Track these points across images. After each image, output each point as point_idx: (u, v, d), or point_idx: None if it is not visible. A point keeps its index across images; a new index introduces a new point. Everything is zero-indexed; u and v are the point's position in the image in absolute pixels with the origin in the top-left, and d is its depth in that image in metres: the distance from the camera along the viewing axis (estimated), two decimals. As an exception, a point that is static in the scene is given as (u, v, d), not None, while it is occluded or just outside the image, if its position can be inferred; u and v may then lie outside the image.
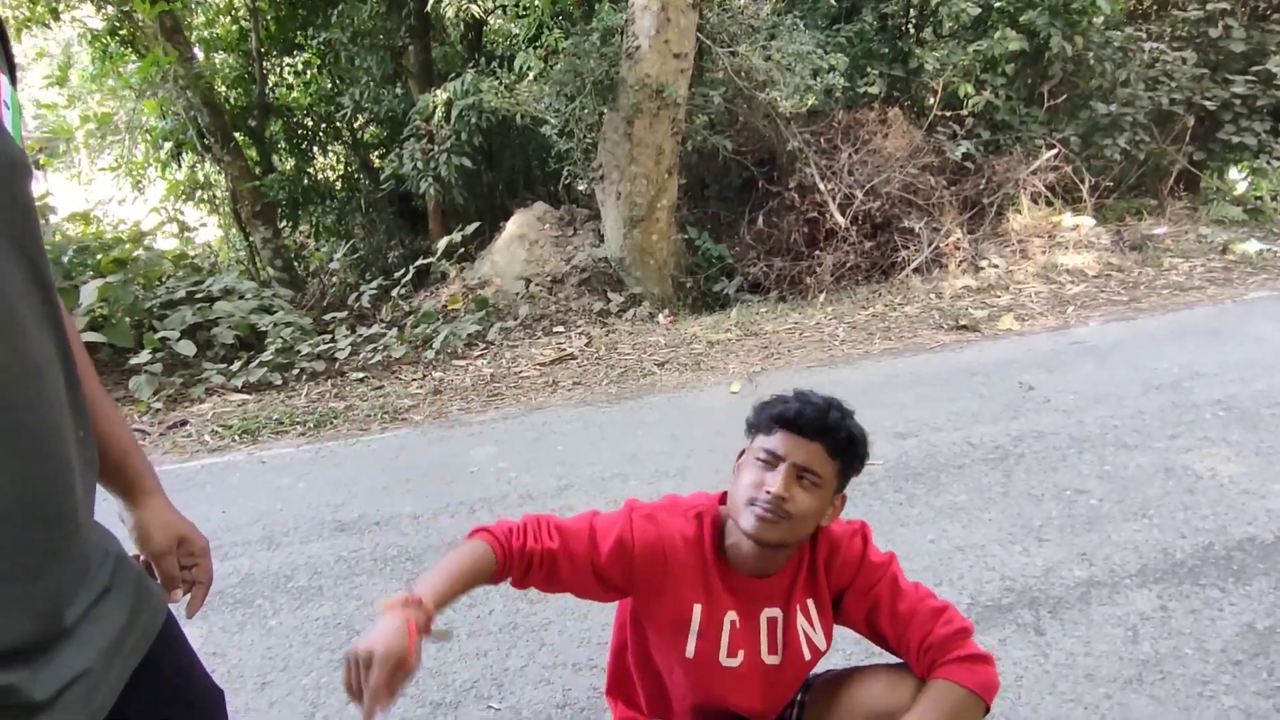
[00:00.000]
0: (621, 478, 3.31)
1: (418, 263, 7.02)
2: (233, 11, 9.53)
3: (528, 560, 1.24)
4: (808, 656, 1.36)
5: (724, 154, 6.88)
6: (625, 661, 1.49)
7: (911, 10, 7.83)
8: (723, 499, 1.38)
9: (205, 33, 9.45)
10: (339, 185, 10.08)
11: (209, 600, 2.55)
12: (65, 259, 5.80)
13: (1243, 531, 2.56)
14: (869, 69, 7.30)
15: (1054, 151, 7.03)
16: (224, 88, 9.07)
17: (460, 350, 5.66)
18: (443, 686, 2.11)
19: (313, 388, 5.05)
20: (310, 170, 9.94)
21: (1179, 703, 1.87)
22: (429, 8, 7.23)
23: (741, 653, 1.34)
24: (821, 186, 6.56)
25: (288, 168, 9.66)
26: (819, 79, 6.33)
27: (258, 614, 2.53)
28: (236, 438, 4.23)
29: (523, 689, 2.09)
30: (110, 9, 8.28)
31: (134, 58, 8.48)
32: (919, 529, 2.73)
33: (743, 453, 1.34)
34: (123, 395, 5.08)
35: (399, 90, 8.52)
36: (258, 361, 5.30)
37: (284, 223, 9.44)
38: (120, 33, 8.52)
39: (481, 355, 5.59)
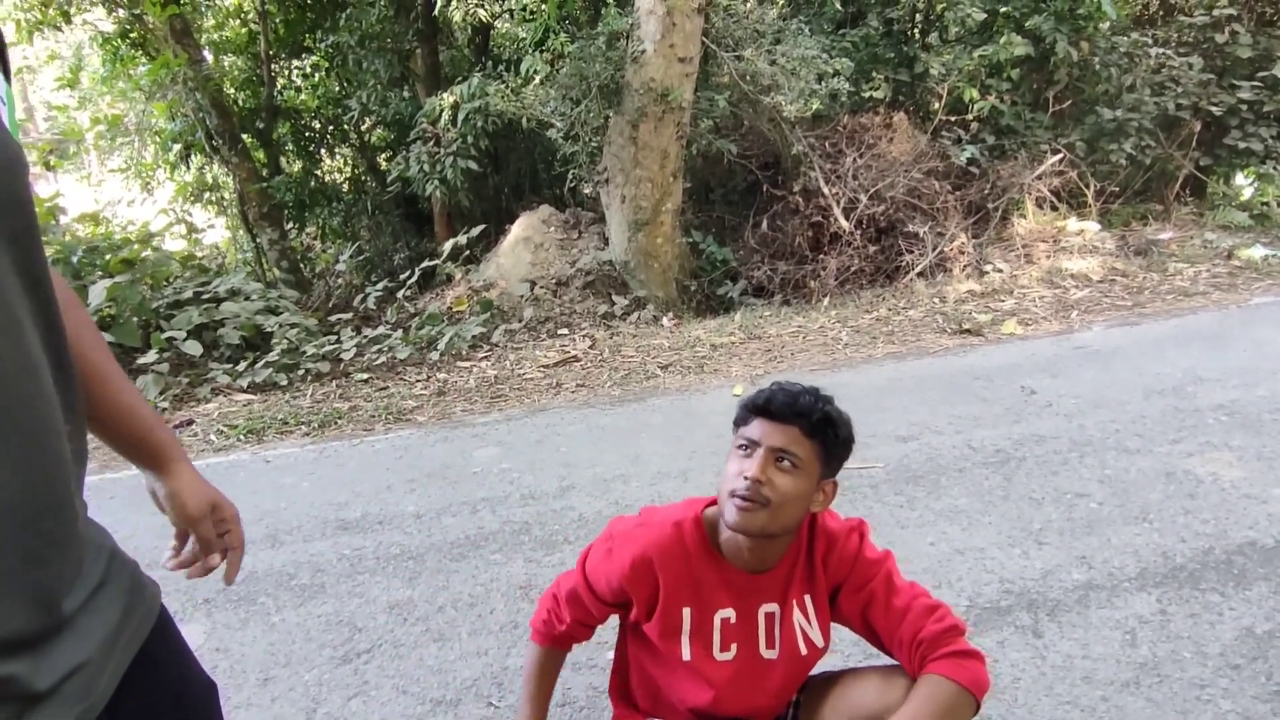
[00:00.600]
0: (624, 479, 3.33)
1: (423, 265, 7.06)
2: (242, 15, 9.61)
3: (568, 639, 1.51)
4: (804, 652, 1.37)
5: (729, 158, 6.90)
6: (626, 663, 1.50)
7: (917, 15, 7.85)
8: (715, 500, 1.39)
9: (215, 35, 9.53)
10: (346, 187, 10.13)
11: (212, 597, 2.56)
12: (75, 259, 5.85)
13: (1243, 536, 2.56)
14: (874, 73, 7.33)
15: (1059, 156, 7.03)
16: (233, 90, 9.14)
17: (464, 352, 5.69)
18: (443, 684, 2.13)
19: (318, 388, 5.08)
20: (317, 172, 9.99)
21: (1176, 706, 1.87)
22: (436, 12, 7.28)
23: (735, 646, 1.35)
24: (826, 190, 6.57)
25: (295, 170, 9.72)
26: (824, 83, 6.35)
27: (261, 611, 2.55)
28: (242, 437, 4.26)
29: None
30: (121, 12, 8.35)
31: (144, 60, 8.55)
32: (919, 531, 2.74)
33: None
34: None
35: (406, 93, 8.57)
36: (263, 362, 5.34)
37: (291, 224, 9.49)
38: (131, 35, 8.58)
39: (486, 357, 5.61)
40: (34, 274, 0.70)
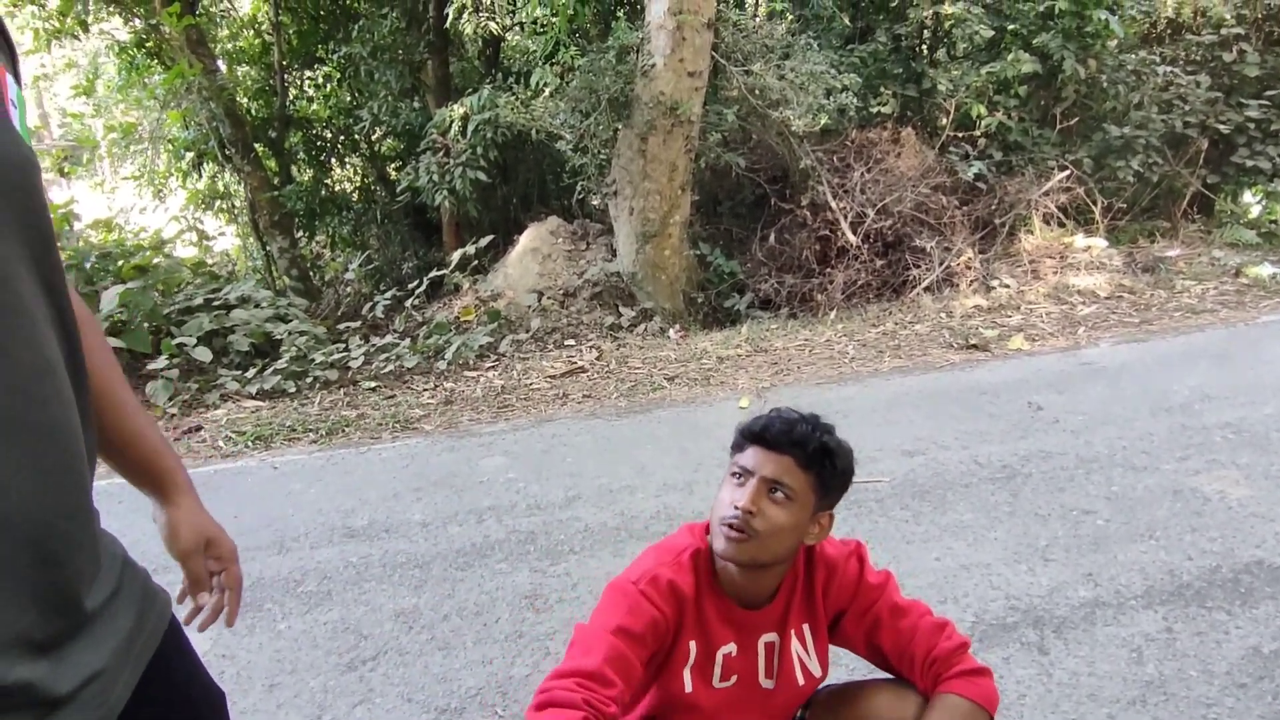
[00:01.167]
0: (629, 490, 3.33)
1: (431, 274, 7.10)
2: (256, 25, 9.72)
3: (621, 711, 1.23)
4: (801, 682, 1.36)
5: (737, 171, 6.94)
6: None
7: (925, 31, 7.89)
8: (709, 527, 1.36)
9: (229, 46, 9.64)
10: (356, 196, 10.21)
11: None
12: (88, 265, 5.90)
13: (1250, 554, 2.55)
14: (882, 89, 7.36)
15: (1066, 173, 7.04)
16: (246, 100, 9.23)
17: (472, 361, 5.71)
18: (448, 693, 2.13)
19: (325, 396, 5.11)
20: (328, 181, 10.07)
21: (1182, 725, 1.87)
22: (448, 24, 7.34)
23: (735, 676, 1.33)
24: (833, 204, 6.59)
25: (306, 179, 9.80)
26: (832, 98, 6.38)
27: (267, 617, 2.56)
28: (250, 444, 4.29)
29: (527, 697, 2.09)
30: (138, 22, 8.47)
31: (159, 69, 8.64)
32: (925, 546, 2.74)
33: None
34: (140, 400, 5.14)
35: (417, 104, 8.64)
36: (272, 369, 5.37)
37: (301, 233, 9.56)
38: (147, 45, 8.69)
39: (493, 367, 5.63)
40: (50, 278, 0.70)
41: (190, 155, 9.21)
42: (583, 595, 2.56)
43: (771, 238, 7.03)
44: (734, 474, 1.27)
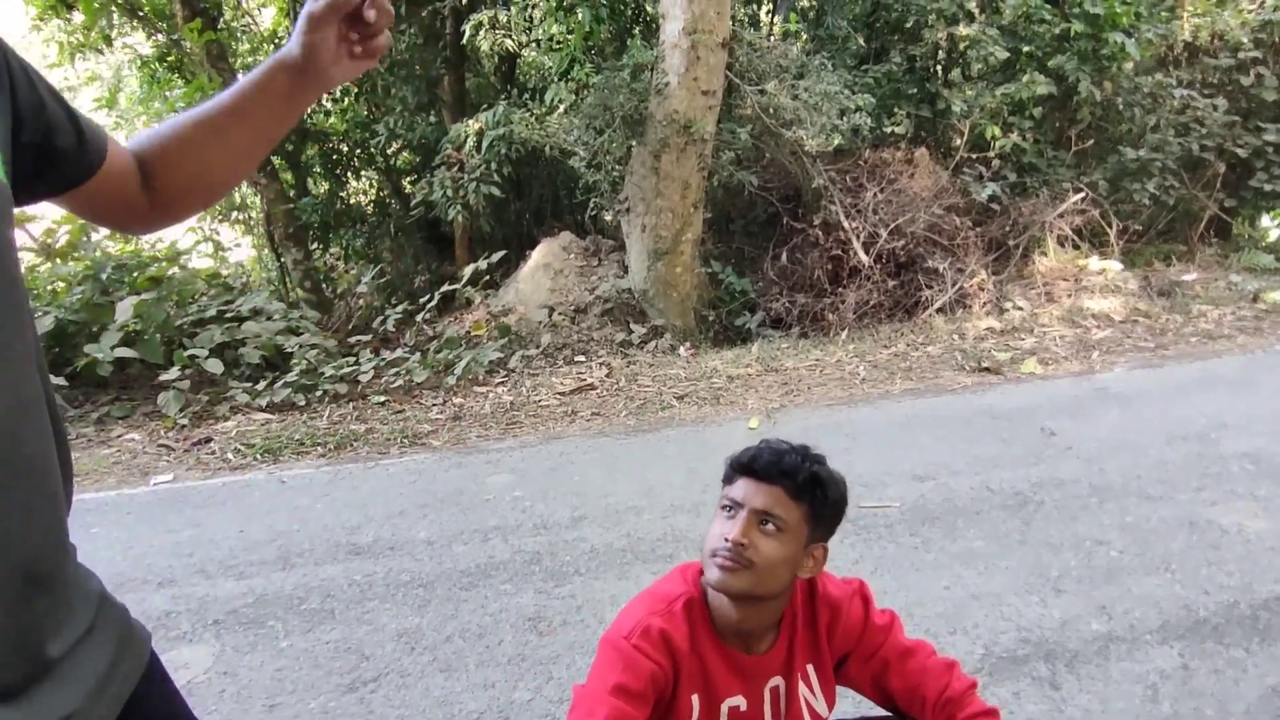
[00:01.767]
0: (636, 511, 3.31)
1: (443, 288, 7.12)
2: (275, 40, 9.84)
3: None
4: None
5: (749, 190, 6.94)
6: None
7: (940, 52, 7.89)
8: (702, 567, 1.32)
9: (249, 60, 9.76)
10: (370, 210, 10.29)
11: (222, 619, 2.55)
12: (103, 275, 5.96)
13: (1269, 590, 2.49)
14: (896, 109, 7.36)
15: (1081, 195, 7.01)
16: (264, 113, 9.33)
17: (481, 377, 5.72)
18: (449, 717, 2.11)
19: (335, 409, 5.12)
20: (343, 195, 10.16)
21: (1198, 767, 1.82)
22: (465, 40, 7.42)
23: None
24: (846, 224, 6.58)
25: (321, 191, 9.89)
26: (846, 118, 6.39)
27: (269, 635, 2.54)
28: (258, 456, 4.29)
29: (528, 722, 2.08)
30: (160, 37, 8.60)
31: (180, 83, 8.77)
32: (934, 574, 2.70)
33: None
34: (151, 410, 5.18)
35: (432, 119, 8.72)
36: (282, 382, 5.39)
37: (315, 245, 9.64)
38: (169, 59, 8.83)
39: (502, 383, 5.63)
40: (20, 315, 0.69)
41: (208, 168, 9.29)
42: (587, 619, 2.53)
43: (783, 256, 7.02)
44: (724, 506, 1.25)
